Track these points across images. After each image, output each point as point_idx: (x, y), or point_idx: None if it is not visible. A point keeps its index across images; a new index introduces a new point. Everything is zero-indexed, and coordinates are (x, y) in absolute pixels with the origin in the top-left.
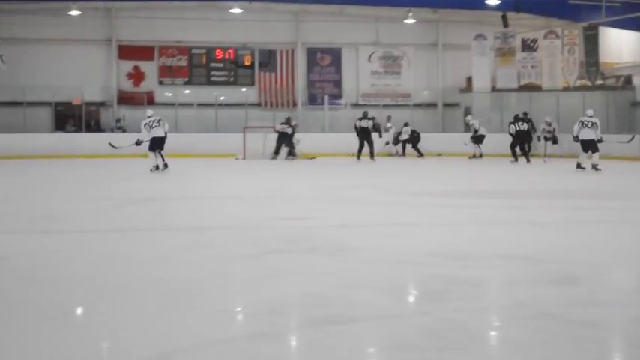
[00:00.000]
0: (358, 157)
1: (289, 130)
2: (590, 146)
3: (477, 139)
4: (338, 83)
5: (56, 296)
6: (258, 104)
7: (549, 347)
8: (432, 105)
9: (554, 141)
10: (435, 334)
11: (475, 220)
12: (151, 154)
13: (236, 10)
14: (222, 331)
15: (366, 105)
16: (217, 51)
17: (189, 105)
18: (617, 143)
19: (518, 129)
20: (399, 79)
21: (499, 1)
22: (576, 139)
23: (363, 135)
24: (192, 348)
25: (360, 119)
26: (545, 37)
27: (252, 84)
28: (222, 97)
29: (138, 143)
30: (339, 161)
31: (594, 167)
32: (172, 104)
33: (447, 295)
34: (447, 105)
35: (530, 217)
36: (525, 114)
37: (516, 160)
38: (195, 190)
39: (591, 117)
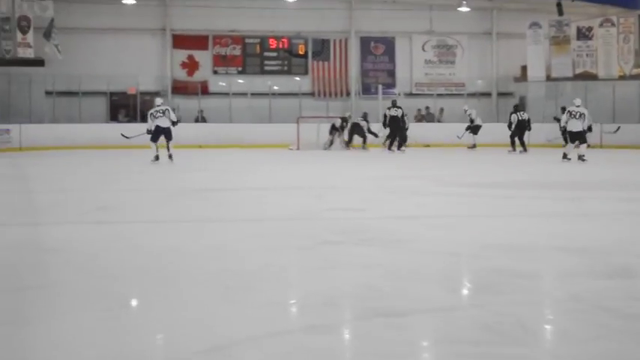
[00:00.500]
0: (390, 148)
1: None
2: (577, 137)
3: (474, 130)
4: (391, 72)
5: (111, 288)
6: (312, 94)
7: (605, 341)
8: (486, 94)
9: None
10: (489, 328)
11: (528, 211)
12: (152, 145)
13: None
14: (276, 323)
15: (419, 94)
16: (271, 40)
17: (243, 95)
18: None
19: (520, 118)
20: (452, 68)
21: None
22: (563, 129)
23: (394, 124)
24: (246, 340)
25: (389, 108)
26: (600, 25)
27: (306, 73)
28: (275, 87)
29: (148, 132)
30: (395, 152)
31: (580, 158)
32: (226, 94)
33: (501, 287)
34: (501, 94)
35: (583, 209)
36: (518, 106)
37: (514, 149)
38: (248, 181)
39: (579, 107)
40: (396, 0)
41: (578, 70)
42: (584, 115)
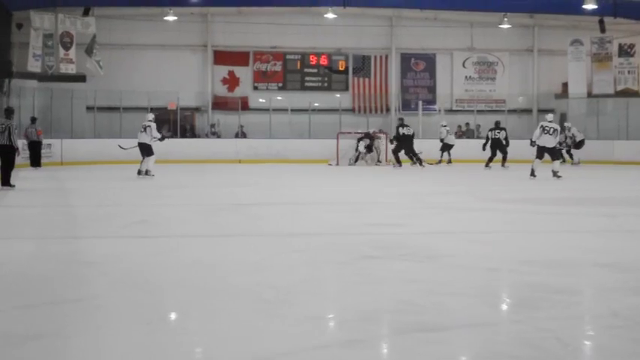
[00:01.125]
0: (398, 163)
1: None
2: (550, 153)
3: (445, 147)
4: (432, 89)
5: (149, 301)
6: (352, 110)
7: None
8: (526, 111)
9: (575, 147)
10: (528, 343)
11: (565, 227)
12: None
13: (330, 16)
14: (313, 337)
15: (460, 110)
16: (311, 56)
17: (283, 110)
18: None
19: (494, 137)
20: (493, 84)
21: (596, 6)
22: (533, 144)
23: (405, 141)
24: (284, 355)
25: (400, 126)
26: None
27: (346, 89)
28: (315, 103)
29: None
30: (430, 167)
31: (555, 174)
32: (266, 110)
33: (539, 303)
34: (541, 111)
35: (620, 224)
36: (498, 123)
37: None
38: (287, 195)
39: (551, 122)
40: (437, 17)
41: (620, 87)
42: (557, 131)
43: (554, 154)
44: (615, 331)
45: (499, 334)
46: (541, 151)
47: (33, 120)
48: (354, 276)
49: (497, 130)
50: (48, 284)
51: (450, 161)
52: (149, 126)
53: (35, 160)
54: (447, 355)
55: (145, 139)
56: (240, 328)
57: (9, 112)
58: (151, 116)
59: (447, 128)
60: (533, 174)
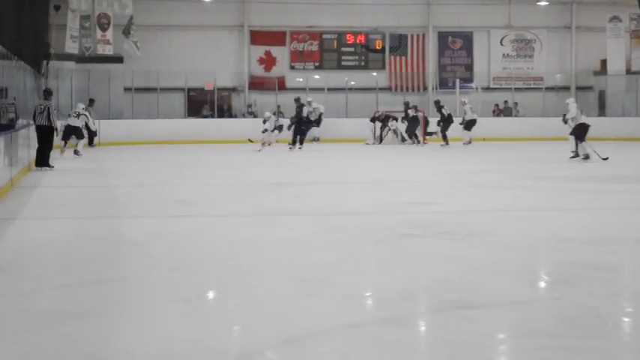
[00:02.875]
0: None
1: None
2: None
3: (467, 125)
4: (469, 67)
5: (188, 280)
6: (389, 88)
7: None
8: (564, 88)
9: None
10: (567, 321)
11: (605, 204)
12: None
13: None
14: (351, 315)
15: (497, 88)
16: (348, 35)
17: (320, 90)
18: None
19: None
20: (531, 62)
21: None
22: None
23: (413, 123)
24: (321, 333)
25: (410, 109)
26: None
27: (383, 68)
28: (352, 82)
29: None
30: (469, 146)
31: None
32: (303, 89)
33: (579, 280)
34: (579, 88)
35: None
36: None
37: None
38: (325, 175)
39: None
40: None
41: None
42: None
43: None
44: None
45: (538, 312)
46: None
47: (91, 102)
48: (392, 254)
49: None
50: (88, 264)
51: (470, 141)
52: (84, 114)
53: (90, 141)
54: (486, 332)
55: (74, 122)
56: (278, 306)
57: (47, 94)
58: (82, 105)
59: (470, 106)
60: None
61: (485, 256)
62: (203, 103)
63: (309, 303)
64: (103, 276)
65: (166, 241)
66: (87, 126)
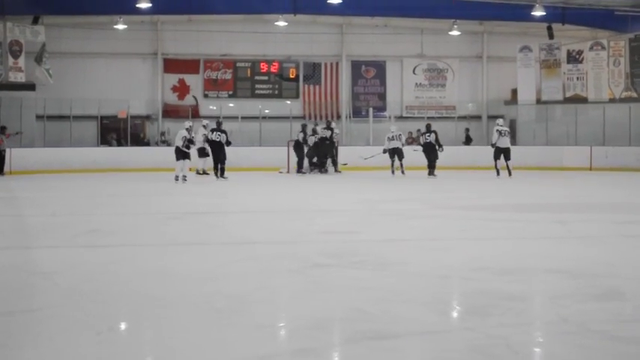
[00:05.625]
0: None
1: (328, 133)
2: (505, 153)
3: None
4: (382, 96)
5: (101, 311)
6: (303, 117)
7: None
8: (476, 117)
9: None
10: (479, 350)
11: (518, 234)
12: None
13: (281, 23)
14: (264, 346)
15: (410, 117)
16: (262, 64)
17: (234, 118)
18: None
19: (425, 141)
20: (443, 91)
21: (545, 13)
22: (494, 145)
23: (321, 146)
24: None
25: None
26: (590, 48)
27: (297, 97)
28: (266, 111)
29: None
30: (382, 174)
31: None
32: (217, 117)
33: (490, 310)
34: (491, 117)
35: (572, 231)
36: (429, 126)
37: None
38: (239, 203)
39: (502, 125)
40: (387, 24)
41: (569, 94)
42: (509, 133)
43: (508, 154)
44: (565, 337)
45: (450, 342)
46: (499, 152)
47: (2, 129)
48: (306, 284)
49: (427, 134)
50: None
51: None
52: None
53: (0, 169)
54: None
55: None
56: (191, 337)
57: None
58: None
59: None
60: (498, 173)
61: (398, 285)
62: (115, 130)
63: (222, 333)
64: (14, 307)
65: (79, 272)
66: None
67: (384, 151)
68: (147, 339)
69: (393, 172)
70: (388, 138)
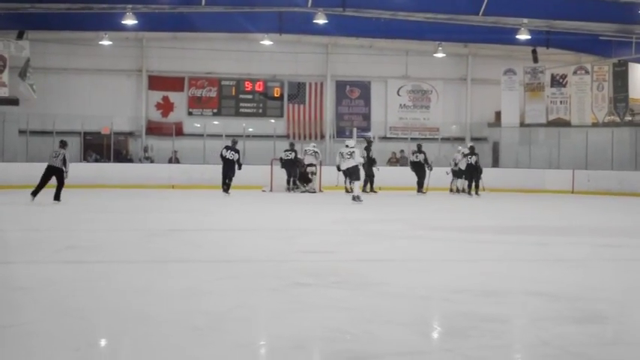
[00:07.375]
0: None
1: (292, 155)
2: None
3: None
4: (366, 116)
5: (79, 327)
6: (287, 136)
7: None
8: (459, 139)
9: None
10: None
11: (499, 256)
12: None
13: (266, 42)
14: None
15: (394, 138)
16: (247, 82)
17: (218, 136)
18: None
19: (414, 160)
20: (427, 112)
21: (529, 37)
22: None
23: (288, 165)
24: None
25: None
26: (574, 72)
27: (281, 116)
28: (250, 129)
29: None
30: (366, 194)
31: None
32: (201, 135)
33: (470, 332)
34: (475, 139)
35: (554, 254)
36: (419, 146)
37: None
38: (220, 222)
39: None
40: (373, 45)
41: (552, 117)
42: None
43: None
44: (545, 359)
45: None
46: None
47: None
48: (286, 303)
49: (418, 153)
50: None
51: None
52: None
53: None
54: None
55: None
56: (171, 355)
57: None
58: None
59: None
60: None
61: (378, 306)
62: (97, 146)
63: (202, 352)
64: None
65: (59, 288)
66: None
67: (338, 169)
68: (126, 356)
69: (346, 190)
70: (341, 154)
